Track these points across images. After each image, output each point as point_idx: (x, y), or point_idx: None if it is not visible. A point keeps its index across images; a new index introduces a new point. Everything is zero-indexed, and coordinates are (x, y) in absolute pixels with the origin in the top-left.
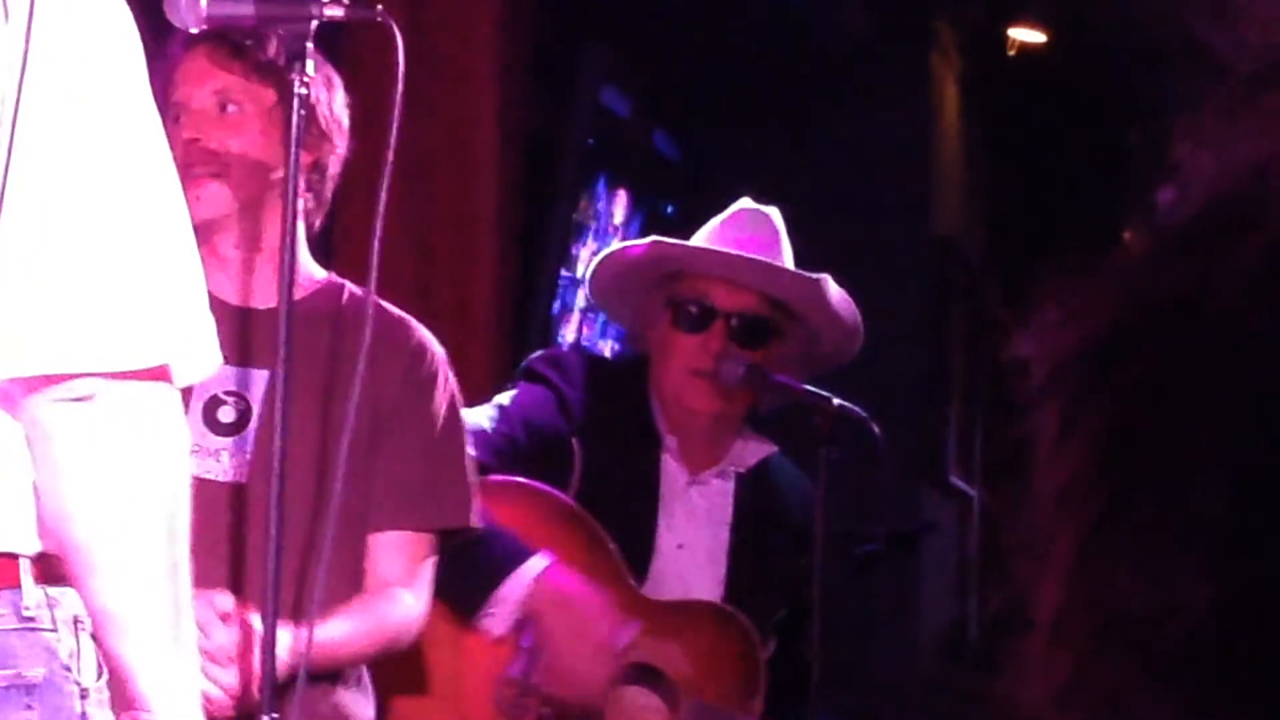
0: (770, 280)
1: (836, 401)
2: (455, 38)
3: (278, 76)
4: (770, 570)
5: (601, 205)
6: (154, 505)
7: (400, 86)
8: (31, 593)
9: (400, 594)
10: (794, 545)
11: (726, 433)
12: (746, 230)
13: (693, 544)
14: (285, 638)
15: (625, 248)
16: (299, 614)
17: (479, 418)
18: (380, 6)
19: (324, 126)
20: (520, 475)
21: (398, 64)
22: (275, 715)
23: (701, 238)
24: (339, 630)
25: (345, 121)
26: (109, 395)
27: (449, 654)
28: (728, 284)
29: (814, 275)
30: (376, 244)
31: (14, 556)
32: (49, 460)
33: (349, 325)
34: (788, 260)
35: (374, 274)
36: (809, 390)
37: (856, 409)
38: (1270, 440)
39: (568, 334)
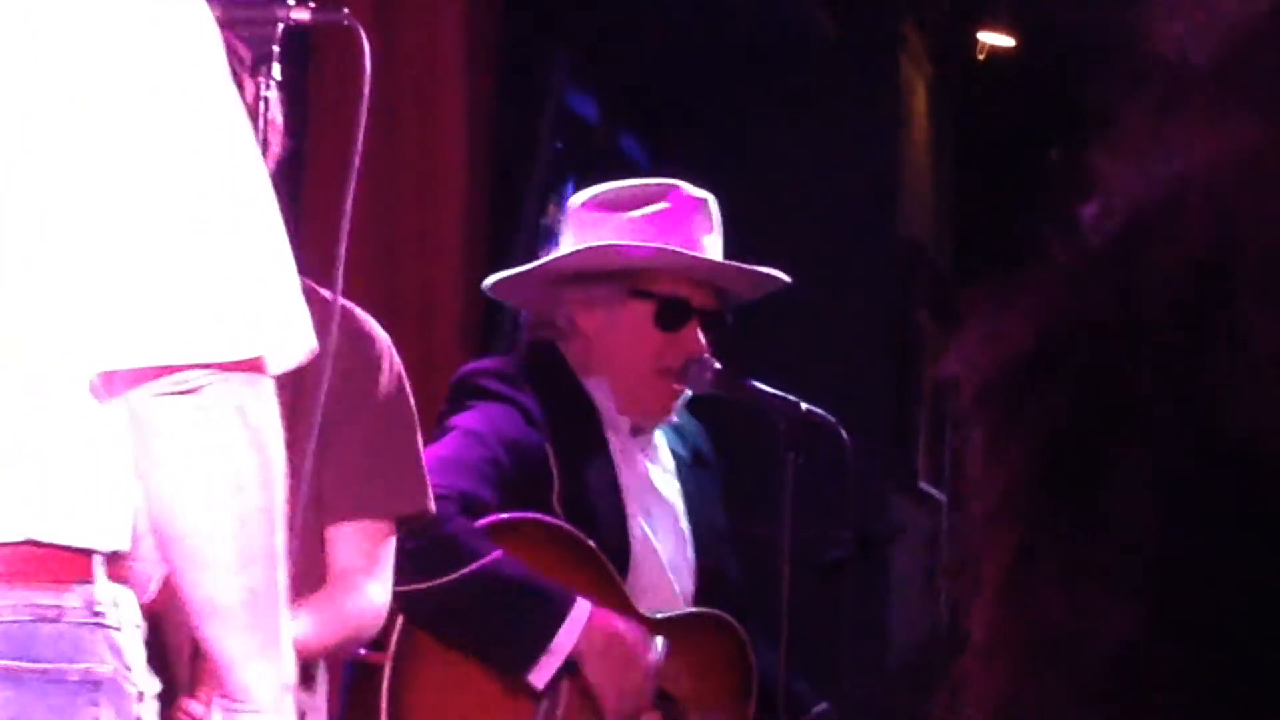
0: (748, 284)
1: (804, 406)
2: (422, 42)
3: (248, 77)
4: (713, 518)
5: None
6: (257, 497)
7: (366, 90)
8: (104, 588)
9: (363, 583)
10: (718, 487)
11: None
12: (704, 226)
13: (659, 511)
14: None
15: (556, 258)
16: None
17: (462, 453)
18: (346, 10)
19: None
20: (511, 497)
21: (364, 68)
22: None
23: (652, 229)
24: (304, 625)
25: (279, 121)
26: (215, 388)
27: (469, 696)
28: (698, 284)
29: (782, 276)
30: (342, 247)
31: (89, 552)
32: (154, 453)
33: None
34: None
35: (339, 276)
36: (777, 395)
37: (824, 414)
38: (1196, 459)
39: None
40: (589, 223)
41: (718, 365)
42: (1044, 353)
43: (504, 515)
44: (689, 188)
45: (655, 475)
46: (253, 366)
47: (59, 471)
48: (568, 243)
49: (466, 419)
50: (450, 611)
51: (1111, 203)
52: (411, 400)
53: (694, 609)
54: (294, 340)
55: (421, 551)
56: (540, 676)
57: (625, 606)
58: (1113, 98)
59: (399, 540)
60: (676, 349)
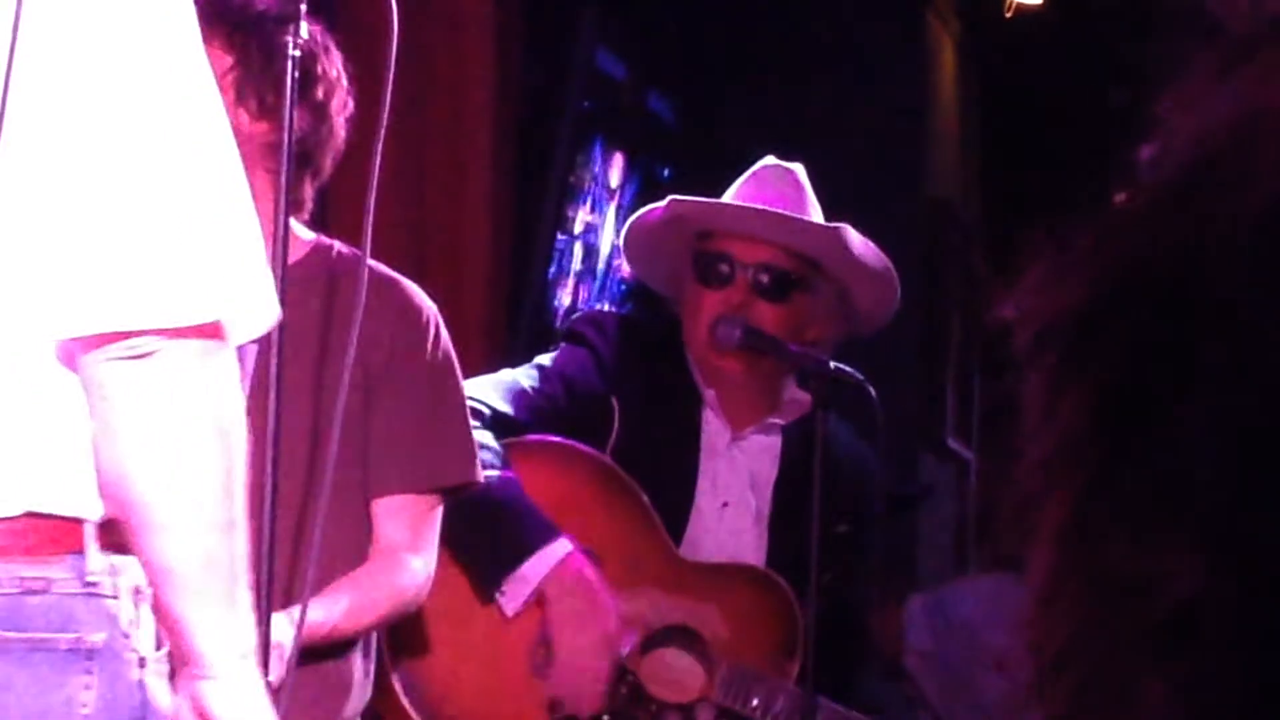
0: (786, 231)
1: (833, 365)
2: (449, 1)
3: (243, 37)
4: (809, 533)
5: (597, 168)
6: (212, 463)
7: (394, 50)
8: (95, 558)
9: (407, 559)
10: (837, 509)
11: (767, 387)
12: (769, 187)
13: (737, 503)
14: (286, 619)
15: (646, 211)
16: (295, 581)
17: (519, 378)
18: None
19: (316, 95)
20: (560, 435)
21: (391, 26)
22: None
23: (727, 196)
24: (342, 605)
25: (334, 73)
26: (167, 352)
27: (476, 618)
28: (747, 239)
29: (831, 225)
30: (371, 207)
31: (79, 521)
32: (107, 419)
33: (341, 287)
34: (814, 214)
35: (368, 237)
36: (805, 353)
37: (853, 372)
38: (1265, 405)
39: (564, 297)
40: None
41: (745, 324)
42: (1106, 297)
43: (532, 436)
44: (772, 160)
45: (744, 469)
46: (208, 332)
47: (42, 442)
48: None
49: (546, 356)
50: (449, 521)
51: (1172, 146)
52: (459, 371)
53: (738, 562)
54: (254, 308)
55: None
56: (509, 602)
57: (660, 545)
58: (1144, 52)
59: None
60: (726, 304)
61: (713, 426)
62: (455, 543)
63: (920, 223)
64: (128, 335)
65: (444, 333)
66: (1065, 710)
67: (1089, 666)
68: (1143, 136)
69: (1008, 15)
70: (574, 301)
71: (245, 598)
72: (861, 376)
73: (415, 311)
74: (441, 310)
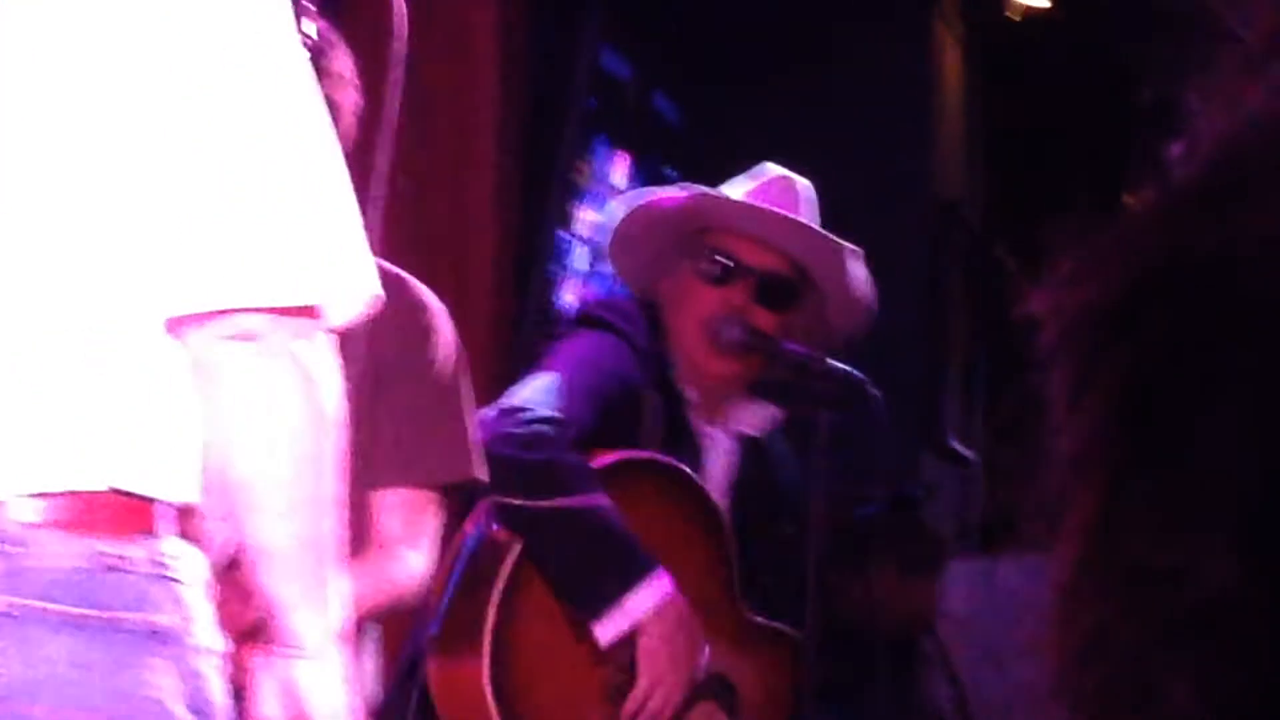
0: (801, 241)
1: (837, 365)
2: (454, 1)
3: None
4: (761, 536)
5: (601, 168)
6: (309, 444)
7: (400, 48)
8: (170, 541)
9: (404, 553)
10: (783, 511)
11: (734, 393)
12: (781, 195)
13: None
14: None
15: (662, 196)
16: None
17: (575, 376)
18: None
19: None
20: (604, 427)
21: (397, 25)
22: None
23: (734, 197)
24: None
25: (346, 74)
26: (272, 333)
27: (568, 624)
28: (756, 242)
29: (846, 244)
30: (376, 205)
31: (154, 502)
32: (213, 397)
33: None
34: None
35: (375, 235)
36: (809, 354)
37: (856, 373)
38: None
39: (567, 296)
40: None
41: (751, 325)
42: (1135, 294)
43: (628, 454)
44: (776, 168)
45: (717, 469)
46: (311, 314)
47: (127, 420)
48: None
49: (580, 345)
50: (540, 537)
51: (1200, 144)
52: (465, 368)
53: (783, 625)
54: (356, 290)
55: (530, 468)
56: (606, 631)
57: (729, 589)
58: (1151, 54)
59: (506, 440)
60: (725, 305)
61: (695, 425)
62: (550, 560)
63: (925, 223)
64: (234, 313)
65: (450, 330)
66: (1089, 704)
67: (1113, 661)
68: (1149, 138)
69: (1013, 18)
70: (578, 300)
71: (336, 579)
72: (864, 377)
73: (422, 308)
74: (447, 308)
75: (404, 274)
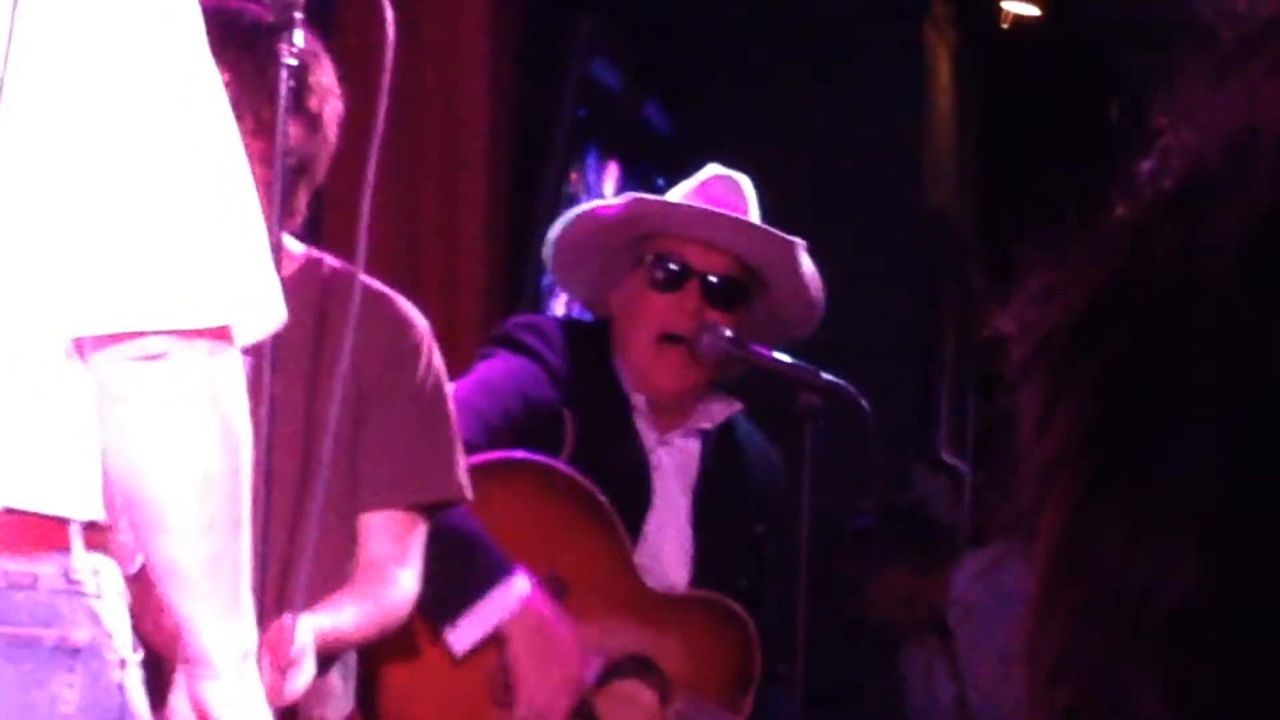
0: (748, 240)
1: (825, 376)
2: (445, 8)
3: (237, 52)
4: (732, 535)
5: (592, 177)
6: (220, 464)
7: (390, 58)
8: (81, 557)
9: (396, 573)
10: (754, 510)
11: (695, 394)
12: (721, 195)
13: (669, 507)
14: (312, 622)
15: (600, 205)
16: (285, 593)
17: (470, 398)
18: None
19: (310, 105)
20: (514, 449)
21: (387, 36)
22: None
23: (675, 200)
24: (347, 615)
25: (326, 82)
26: (178, 354)
27: (435, 643)
28: (702, 244)
29: (790, 238)
30: (365, 217)
31: (65, 520)
32: (117, 418)
33: (333, 301)
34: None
35: (362, 248)
36: (796, 364)
37: (845, 384)
38: (1263, 413)
39: (558, 306)
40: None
41: (729, 333)
42: (1106, 304)
43: (517, 454)
44: (719, 169)
45: (670, 473)
46: (218, 335)
47: (34, 440)
48: None
49: (488, 366)
50: None
51: (1169, 158)
52: (449, 388)
53: (704, 592)
54: (262, 311)
55: None
56: (460, 639)
57: (627, 571)
58: (1142, 63)
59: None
60: (677, 313)
61: (642, 431)
62: None
63: (916, 234)
64: (141, 335)
65: (435, 349)
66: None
67: (1085, 672)
68: (1139, 149)
69: (1004, 26)
70: (568, 311)
71: (248, 599)
72: (854, 388)
73: (407, 327)
74: (436, 318)
75: (389, 291)
